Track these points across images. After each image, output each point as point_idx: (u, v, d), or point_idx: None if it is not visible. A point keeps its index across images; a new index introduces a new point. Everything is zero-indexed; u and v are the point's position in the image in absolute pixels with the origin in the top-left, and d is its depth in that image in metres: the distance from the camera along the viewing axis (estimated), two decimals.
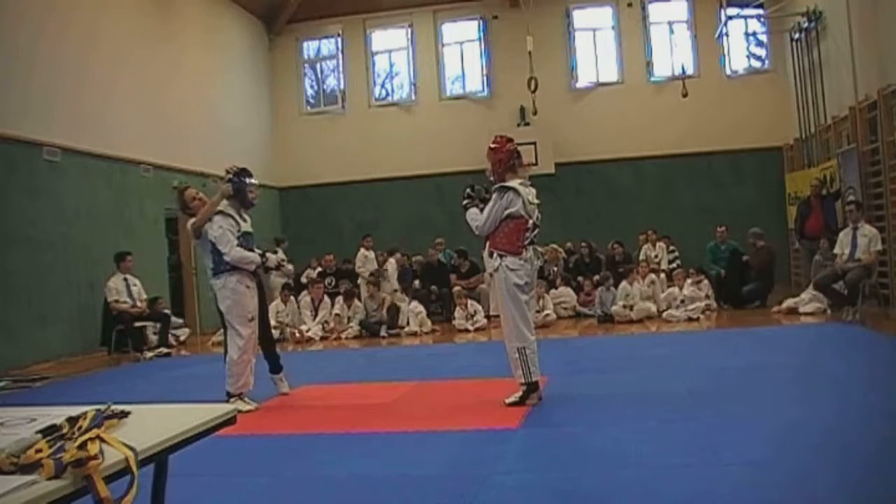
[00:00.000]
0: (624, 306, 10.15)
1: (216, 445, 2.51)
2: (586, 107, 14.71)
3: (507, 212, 4.94)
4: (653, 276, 10.87)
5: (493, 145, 5.15)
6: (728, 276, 11.00)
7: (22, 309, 8.78)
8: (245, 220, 5.55)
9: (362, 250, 12.13)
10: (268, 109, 15.58)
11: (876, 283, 9.14)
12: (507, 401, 4.94)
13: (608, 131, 14.29)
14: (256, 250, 5.56)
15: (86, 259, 9.78)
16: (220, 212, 5.39)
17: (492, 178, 5.13)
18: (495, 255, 5.03)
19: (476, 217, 5.13)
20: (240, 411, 5.05)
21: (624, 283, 10.40)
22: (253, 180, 5.55)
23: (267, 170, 15.11)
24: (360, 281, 11.72)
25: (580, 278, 11.54)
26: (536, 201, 5.08)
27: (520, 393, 4.94)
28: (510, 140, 5.19)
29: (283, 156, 15.58)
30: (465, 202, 5.27)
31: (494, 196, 5.02)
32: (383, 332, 10.37)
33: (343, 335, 10.55)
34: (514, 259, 4.93)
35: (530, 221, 4.96)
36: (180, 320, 11.02)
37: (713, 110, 13.90)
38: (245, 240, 5.48)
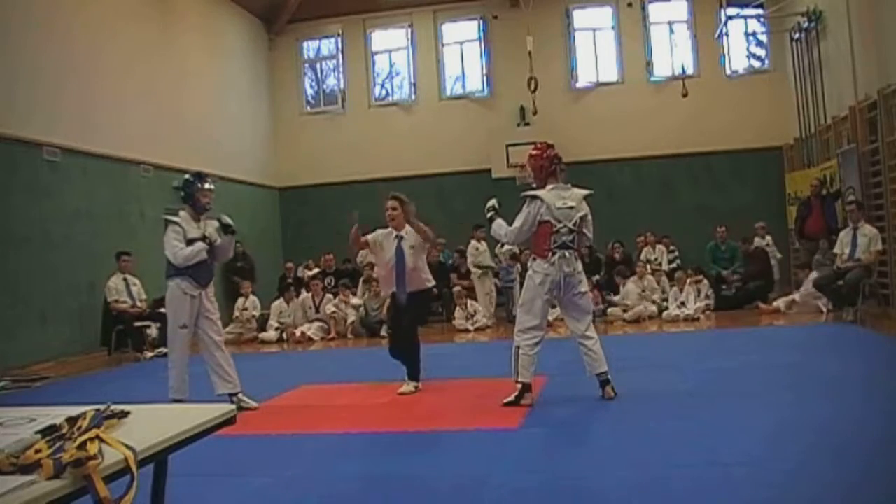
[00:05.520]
0: (623, 310, 10.20)
1: (216, 445, 2.51)
2: (586, 107, 14.70)
3: (537, 219, 5.04)
4: (650, 276, 10.89)
5: (534, 152, 5.28)
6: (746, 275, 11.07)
7: (22, 309, 8.77)
8: (201, 229, 5.46)
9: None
10: (268, 109, 15.57)
11: (876, 283, 9.14)
12: (505, 401, 4.97)
13: (608, 131, 14.27)
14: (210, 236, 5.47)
15: (86, 259, 9.77)
16: (168, 222, 5.45)
17: (534, 184, 5.25)
18: (531, 258, 5.21)
19: (500, 228, 5.29)
20: (243, 408, 5.12)
21: (627, 283, 10.46)
22: (207, 185, 5.51)
23: (267, 170, 15.14)
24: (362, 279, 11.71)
25: None
26: (572, 204, 5.08)
27: (516, 392, 4.97)
28: (550, 146, 5.31)
29: (283, 156, 15.57)
30: (489, 214, 5.43)
31: (524, 207, 5.12)
32: (383, 332, 10.37)
33: (340, 331, 10.60)
34: (541, 262, 5.04)
35: (559, 225, 5.00)
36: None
37: (713, 110, 13.88)
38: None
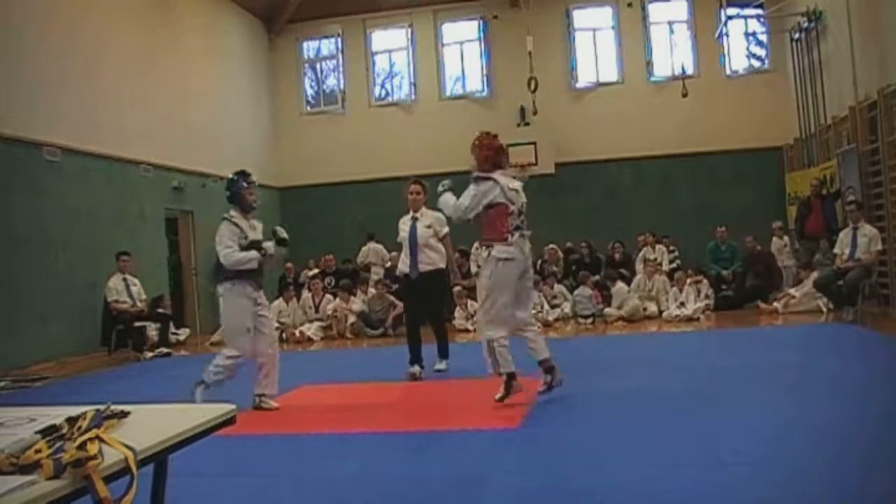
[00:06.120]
0: (618, 307, 10.23)
1: (216, 445, 2.51)
2: (586, 107, 14.70)
3: (486, 200, 4.91)
4: (656, 276, 10.90)
5: (476, 142, 5.18)
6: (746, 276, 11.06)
7: (22, 309, 8.77)
8: (254, 229, 5.49)
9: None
10: (268, 109, 15.57)
11: (876, 283, 9.14)
12: (496, 396, 4.93)
13: (608, 131, 14.27)
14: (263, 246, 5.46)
15: (86, 259, 9.78)
16: (225, 219, 5.40)
17: (475, 174, 5.12)
18: (483, 248, 5.07)
19: (448, 201, 5.16)
20: (263, 408, 5.22)
21: (618, 284, 10.50)
22: (251, 182, 5.50)
23: (267, 170, 15.08)
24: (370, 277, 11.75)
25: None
26: (517, 188, 5.04)
27: (503, 384, 4.93)
28: (495, 136, 5.20)
29: (283, 156, 15.57)
30: (441, 189, 5.32)
31: (472, 185, 5.01)
32: (370, 333, 10.45)
33: (340, 331, 10.60)
34: (502, 246, 4.89)
35: (513, 207, 4.92)
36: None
37: (713, 110, 13.88)
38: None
